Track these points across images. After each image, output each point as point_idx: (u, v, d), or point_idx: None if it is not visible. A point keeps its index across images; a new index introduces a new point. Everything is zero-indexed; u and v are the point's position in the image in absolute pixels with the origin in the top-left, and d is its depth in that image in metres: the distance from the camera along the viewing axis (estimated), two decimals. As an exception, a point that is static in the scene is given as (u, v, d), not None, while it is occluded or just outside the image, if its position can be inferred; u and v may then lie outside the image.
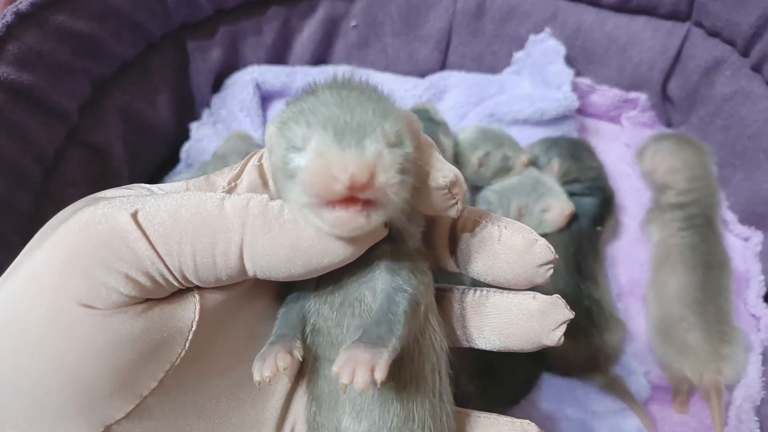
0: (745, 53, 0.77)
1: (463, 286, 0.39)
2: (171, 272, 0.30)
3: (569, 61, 0.84)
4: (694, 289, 0.69)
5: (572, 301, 0.68)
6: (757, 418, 0.64)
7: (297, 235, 0.30)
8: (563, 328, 0.35)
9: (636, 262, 0.79)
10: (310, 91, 0.32)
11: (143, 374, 0.31)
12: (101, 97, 0.71)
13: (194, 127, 0.81)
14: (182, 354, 0.32)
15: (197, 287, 0.32)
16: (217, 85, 0.87)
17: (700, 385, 0.66)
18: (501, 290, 0.37)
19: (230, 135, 0.78)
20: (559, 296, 0.36)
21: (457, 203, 0.33)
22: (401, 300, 0.32)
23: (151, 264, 0.30)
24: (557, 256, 0.35)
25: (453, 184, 0.32)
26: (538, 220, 0.73)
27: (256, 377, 0.32)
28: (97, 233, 0.29)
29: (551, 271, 0.35)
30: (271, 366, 0.31)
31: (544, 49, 0.84)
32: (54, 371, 0.29)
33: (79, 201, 0.33)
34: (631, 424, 0.65)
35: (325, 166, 0.27)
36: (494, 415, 0.39)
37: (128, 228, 0.29)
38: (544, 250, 0.34)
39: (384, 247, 0.33)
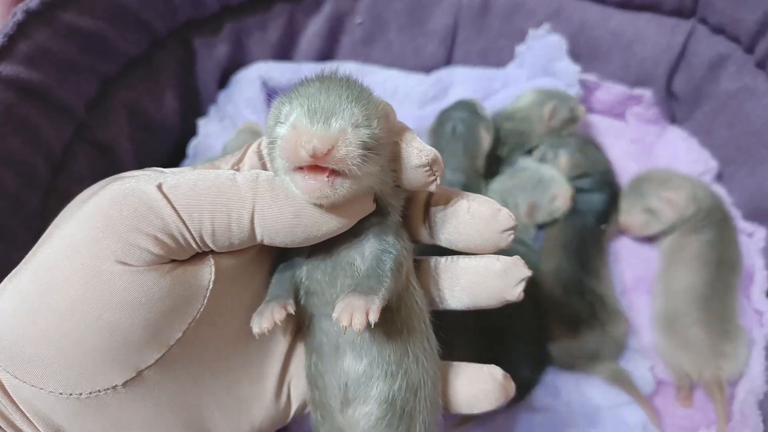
0: (749, 50, 0.77)
1: (436, 256, 0.44)
2: (192, 236, 0.35)
3: (574, 57, 0.84)
4: (703, 286, 0.70)
5: (575, 296, 0.69)
6: (760, 412, 0.65)
7: (300, 206, 0.35)
8: (523, 284, 0.41)
9: (640, 259, 0.79)
10: (302, 81, 0.38)
11: (170, 326, 0.35)
12: (108, 95, 0.72)
13: (201, 123, 0.82)
14: (201, 309, 0.36)
15: (212, 252, 0.37)
16: (223, 82, 0.87)
17: (700, 381, 0.67)
18: (469, 255, 0.43)
19: (241, 128, 0.78)
20: (519, 257, 0.41)
21: (436, 179, 0.38)
22: (387, 259, 0.38)
23: (176, 228, 0.34)
24: (518, 223, 0.41)
25: (433, 162, 0.38)
26: (548, 210, 0.75)
27: (255, 330, 0.37)
28: (128, 202, 0.34)
29: (513, 236, 0.41)
30: (269, 319, 0.37)
31: (546, 44, 0.84)
32: (95, 324, 0.33)
33: (102, 180, 0.37)
34: (635, 417, 0.66)
35: (296, 136, 0.32)
36: (464, 364, 0.45)
37: (155, 197, 0.34)
38: (507, 218, 0.40)
39: (372, 219, 0.39)
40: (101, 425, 0.35)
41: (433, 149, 0.38)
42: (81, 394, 0.33)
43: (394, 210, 0.40)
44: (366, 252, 0.39)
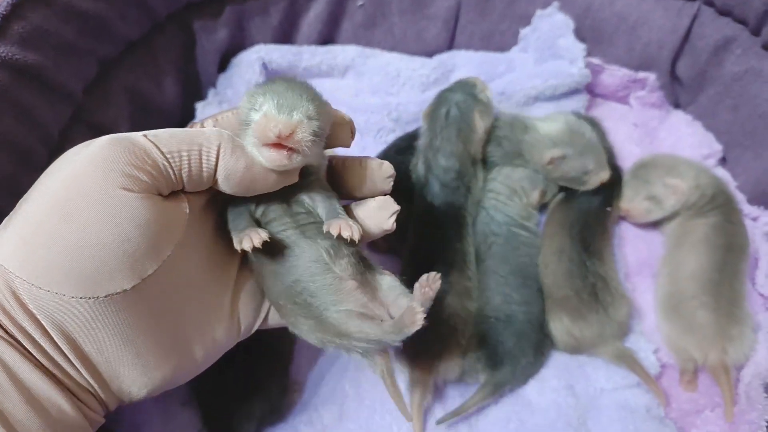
0: (756, 32, 0.76)
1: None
2: (173, 171, 0.44)
3: (578, 40, 0.83)
4: (711, 270, 0.69)
5: (578, 278, 0.69)
6: (766, 395, 0.65)
7: (252, 161, 0.46)
8: (394, 216, 0.52)
9: (644, 242, 0.79)
10: (272, 80, 0.49)
11: (163, 243, 0.44)
12: (107, 77, 0.71)
13: (200, 107, 0.81)
14: (180, 235, 0.45)
15: (184, 192, 0.47)
16: (223, 66, 0.86)
17: (705, 364, 0.67)
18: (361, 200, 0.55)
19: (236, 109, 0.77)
20: (389, 196, 0.53)
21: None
22: (335, 202, 0.51)
23: (161, 164, 0.43)
24: (395, 172, 0.54)
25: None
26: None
27: (238, 247, 0.47)
28: (122, 145, 0.42)
29: (392, 182, 0.54)
30: (249, 241, 0.46)
31: (552, 23, 0.83)
32: (110, 237, 0.40)
33: (84, 142, 0.44)
34: (639, 399, 0.65)
35: (267, 122, 0.44)
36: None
37: (143, 141, 0.43)
38: (388, 168, 0.53)
39: (310, 178, 0.51)
40: (108, 330, 0.42)
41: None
42: (98, 297, 0.40)
43: (321, 172, 0.53)
44: (314, 194, 0.51)
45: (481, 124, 0.73)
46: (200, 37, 0.81)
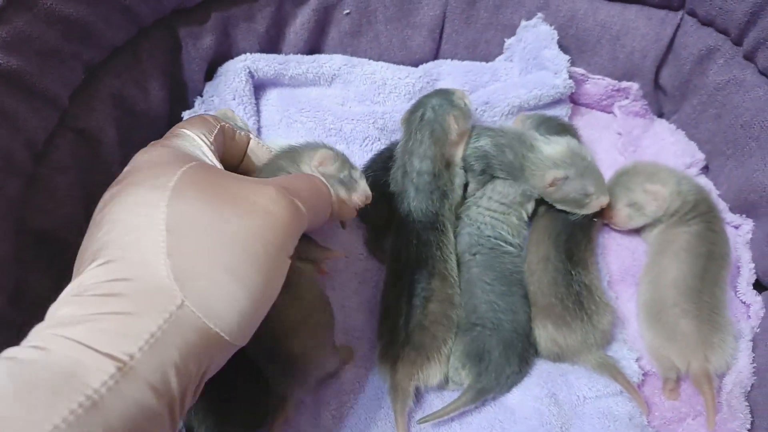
0: (738, 42, 0.77)
1: None
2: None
3: (562, 50, 0.84)
4: (693, 277, 0.69)
5: (562, 287, 0.69)
6: (747, 404, 0.65)
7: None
8: None
9: (627, 250, 0.79)
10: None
11: None
12: (92, 83, 0.71)
13: (186, 115, 0.81)
14: None
15: None
16: (210, 74, 0.86)
17: (688, 373, 0.67)
18: None
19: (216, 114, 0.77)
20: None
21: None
22: None
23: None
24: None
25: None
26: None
27: None
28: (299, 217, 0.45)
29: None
30: None
31: (537, 34, 0.84)
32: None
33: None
34: (622, 408, 0.65)
35: (366, 197, 0.61)
36: None
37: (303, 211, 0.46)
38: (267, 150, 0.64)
39: None
40: None
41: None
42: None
43: None
44: None
45: (455, 127, 0.73)
46: (186, 43, 0.81)
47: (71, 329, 0.34)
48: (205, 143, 0.50)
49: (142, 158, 0.47)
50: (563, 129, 0.79)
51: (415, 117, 0.74)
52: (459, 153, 0.75)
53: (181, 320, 0.36)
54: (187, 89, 0.84)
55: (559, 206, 0.73)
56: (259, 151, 0.63)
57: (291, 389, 0.62)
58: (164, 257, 0.37)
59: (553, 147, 0.72)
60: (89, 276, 0.37)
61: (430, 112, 0.73)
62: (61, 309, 0.36)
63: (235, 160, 0.62)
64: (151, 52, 0.78)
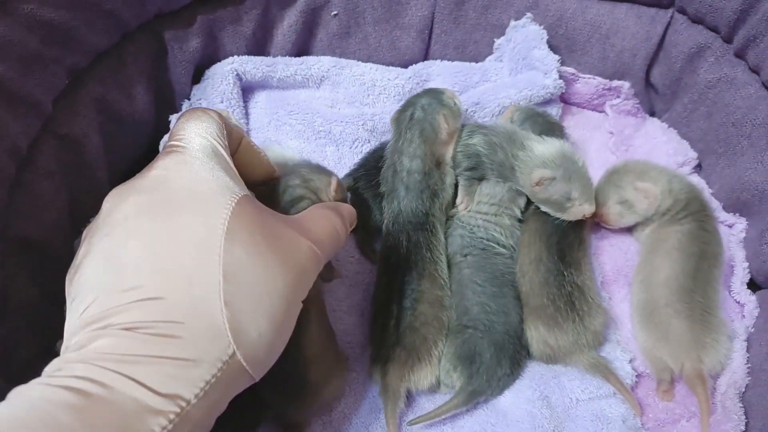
0: (728, 39, 0.76)
1: None
2: None
3: (552, 49, 0.83)
4: (684, 277, 0.69)
5: (554, 287, 0.68)
6: (741, 405, 0.64)
7: None
8: None
9: (620, 250, 0.78)
10: None
11: None
12: (76, 88, 0.70)
13: (173, 119, 0.80)
14: None
15: None
16: (197, 78, 0.85)
17: (682, 374, 0.66)
18: None
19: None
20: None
21: None
22: None
23: None
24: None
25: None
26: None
27: None
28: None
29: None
30: None
31: (526, 34, 0.83)
32: None
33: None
34: (615, 410, 0.64)
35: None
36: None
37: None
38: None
39: None
40: None
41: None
42: None
43: None
44: None
45: (445, 126, 0.72)
46: (172, 47, 0.80)
47: (130, 368, 0.34)
48: (221, 147, 0.47)
49: (170, 171, 0.43)
50: (550, 126, 0.78)
51: (404, 116, 0.73)
52: (449, 152, 0.74)
53: (231, 369, 0.37)
54: (174, 93, 0.83)
55: (542, 208, 0.72)
56: (249, 150, 0.58)
57: (305, 415, 0.63)
58: (221, 305, 0.37)
59: (545, 147, 0.71)
60: (141, 311, 0.36)
61: (419, 112, 0.73)
62: (102, 339, 0.35)
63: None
64: (135, 57, 0.77)
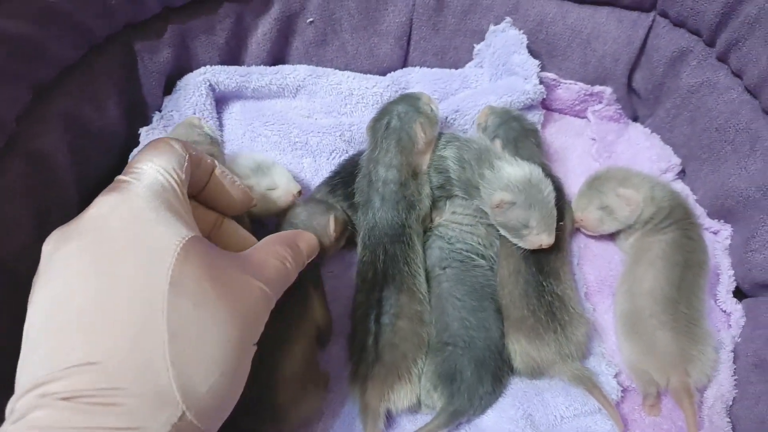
0: (711, 43, 0.75)
1: None
2: None
3: (532, 55, 0.82)
4: (669, 287, 0.67)
5: (534, 299, 0.66)
6: (729, 419, 0.63)
7: None
8: None
9: (603, 260, 0.77)
10: None
11: None
12: (42, 103, 0.68)
13: (143, 132, 0.77)
14: None
15: None
16: (169, 89, 0.83)
17: (668, 388, 0.65)
18: None
19: (179, 124, 0.74)
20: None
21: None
22: None
23: None
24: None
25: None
26: None
27: None
28: None
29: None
30: None
31: (506, 39, 0.82)
32: None
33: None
34: (601, 427, 0.63)
35: None
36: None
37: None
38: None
39: None
40: None
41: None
42: None
43: None
44: None
45: (422, 136, 0.70)
46: (142, 57, 0.78)
47: None
48: (176, 183, 0.43)
49: (112, 212, 0.40)
50: (525, 132, 0.76)
51: (380, 125, 0.72)
52: (426, 161, 0.73)
53: (181, 429, 0.35)
54: (146, 105, 0.81)
55: (501, 231, 0.70)
56: (223, 179, 0.53)
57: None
58: (167, 365, 0.35)
59: (513, 170, 0.68)
60: (81, 378, 0.33)
61: (396, 121, 0.71)
62: (40, 410, 0.33)
63: (198, 185, 0.51)
64: (105, 69, 0.75)
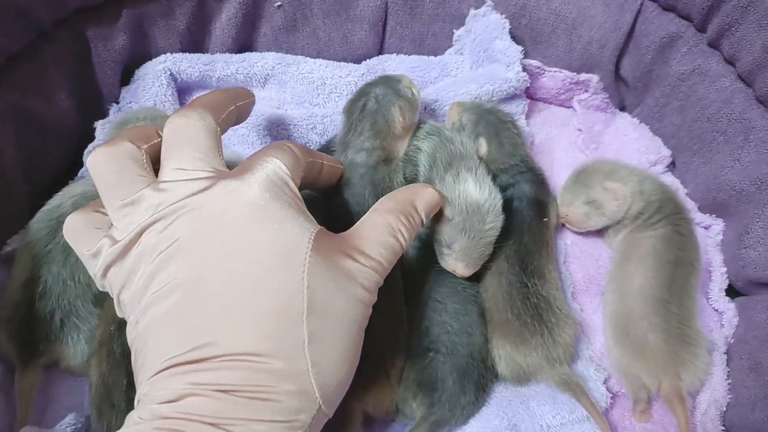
0: (702, 28, 0.71)
1: None
2: None
3: (515, 41, 0.77)
4: (659, 287, 0.64)
5: (518, 300, 0.62)
6: (723, 426, 0.60)
7: None
8: None
9: (591, 257, 0.73)
10: None
11: None
12: (-15, 96, 0.62)
13: (99, 125, 0.72)
14: None
15: None
16: (127, 79, 0.77)
17: (660, 393, 0.61)
18: None
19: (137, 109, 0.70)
20: None
21: None
22: None
23: None
24: None
25: None
26: None
27: None
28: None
29: None
30: None
31: (487, 24, 0.77)
32: None
33: None
34: (589, 436, 0.59)
35: None
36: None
37: None
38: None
39: None
40: None
41: None
42: None
43: None
44: None
45: (399, 120, 0.65)
46: (95, 45, 0.72)
47: (235, 427, 0.36)
48: (293, 181, 0.46)
49: (234, 200, 0.42)
50: (503, 124, 0.72)
51: (356, 107, 0.67)
52: (402, 148, 0.68)
53: (317, 420, 0.40)
54: (101, 96, 0.75)
55: (433, 242, 0.65)
56: (331, 171, 0.61)
57: None
58: (308, 365, 0.39)
59: (472, 189, 0.62)
60: (233, 373, 0.37)
61: (373, 103, 0.66)
62: (196, 398, 0.37)
63: (310, 182, 0.58)
64: (54, 58, 0.69)
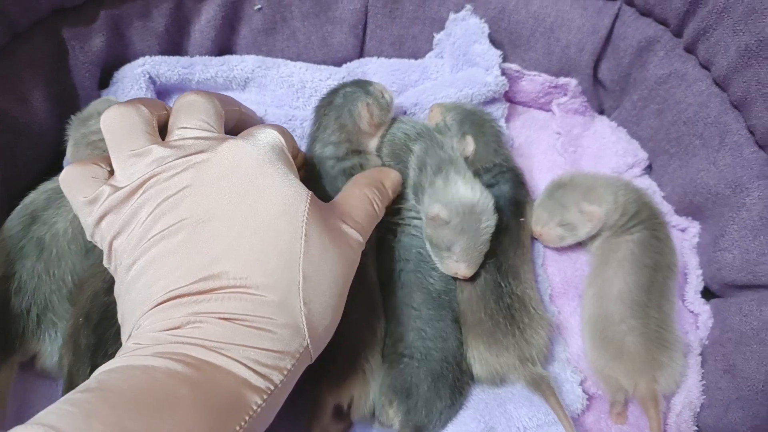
0: (678, 33, 0.72)
1: None
2: None
3: (494, 45, 0.77)
4: (638, 291, 0.64)
5: (492, 301, 0.62)
6: (697, 427, 0.60)
7: None
8: None
9: (569, 260, 0.74)
10: None
11: None
12: (-42, 98, 0.61)
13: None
14: None
15: None
16: (105, 81, 0.77)
17: (635, 394, 0.62)
18: None
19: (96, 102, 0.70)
20: None
21: None
22: None
23: None
24: None
25: None
26: None
27: None
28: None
29: None
30: None
31: (466, 28, 0.77)
32: None
33: None
34: (565, 439, 0.60)
35: None
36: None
37: None
38: None
39: None
40: None
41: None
42: None
43: None
44: None
45: (366, 115, 0.66)
46: (72, 46, 0.71)
47: (232, 352, 0.39)
48: (288, 150, 0.51)
49: (245, 155, 0.47)
50: (483, 123, 0.72)
51: (324, 103, 0.69)
52: (372, 144, 0.70)
53: (303, 358, 0.43)
54: (78, 99, 0.74)
55: (427, 245, 0.65)
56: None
57: None
58: (300, 304, 0.43)
59: (464, 190, 0.63)
60: (235, 303, 0.41)
61: (339, 98, 0.68)
62: (201, 325, 0.40)
63: None
64: (30, 60, 0.68)
